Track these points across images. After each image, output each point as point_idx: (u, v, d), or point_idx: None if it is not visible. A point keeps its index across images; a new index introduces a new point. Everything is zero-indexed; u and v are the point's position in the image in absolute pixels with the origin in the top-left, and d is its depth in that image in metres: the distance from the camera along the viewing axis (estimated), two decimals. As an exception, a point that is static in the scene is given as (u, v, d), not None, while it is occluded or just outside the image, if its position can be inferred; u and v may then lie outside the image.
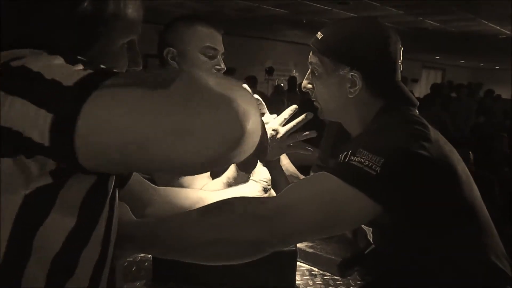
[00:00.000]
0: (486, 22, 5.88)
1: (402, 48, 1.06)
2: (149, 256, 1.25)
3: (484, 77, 14.12)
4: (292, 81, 7.40)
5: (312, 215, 0.86)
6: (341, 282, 1.19)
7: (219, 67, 1.51)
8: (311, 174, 1.31)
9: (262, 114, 1.24)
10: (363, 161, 0.86)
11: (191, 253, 0.86)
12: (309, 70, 1.10)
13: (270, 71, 8.43)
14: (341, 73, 1.01)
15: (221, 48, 1.52)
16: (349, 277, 1.22)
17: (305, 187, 0.92)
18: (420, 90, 13.09)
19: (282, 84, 7.98)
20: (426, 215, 0.92)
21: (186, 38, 1.48)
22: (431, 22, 6.02)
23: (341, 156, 0.91)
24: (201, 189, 1.21)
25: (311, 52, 1.08)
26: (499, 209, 3.00)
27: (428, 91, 8.64)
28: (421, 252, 0.96)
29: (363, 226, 1.07)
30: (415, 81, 13.14)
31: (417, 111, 1.06)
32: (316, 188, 0.90)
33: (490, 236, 0.98)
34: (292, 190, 0.92)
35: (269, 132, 1.21)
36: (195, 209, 0.92)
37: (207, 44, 1.47)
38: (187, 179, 1.31)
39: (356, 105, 1.03)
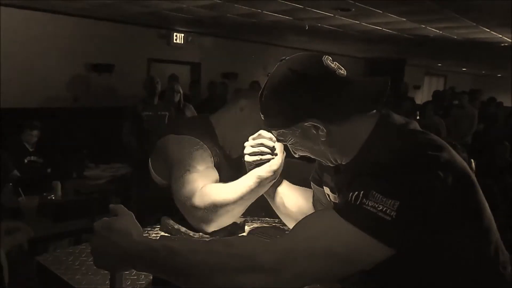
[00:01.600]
0: (488, 30, 5.89)
1: (329, 58, 0.99)
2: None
3: (486, 84, 14.11)
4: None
5: (321, 264, 0.83)
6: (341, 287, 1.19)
7: None
8: (312, 185, 1.29)
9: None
10: (377, 206, 0.81)
11: (191, 283, 0.85)
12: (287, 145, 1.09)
13: (272, 77, 8.42)
14: (299, 131, 0.99)
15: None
16: (349, 283, 1.21)
17: (314, 232, 0.87)
18: (422, 96, 13.08)
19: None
20: (439, 238, 0.87)
21: None
22: (433, 29, 6.03)
23: (352, 196, 0.85)
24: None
25: (272, 132, 1.09)
26: (500, 217, 3.00)
27: (430, 98, 8.66)
28: (428, 267, 0.91)
29: None
30: (417, 87, 13.14)
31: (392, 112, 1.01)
32: (327, 235, 0.85)
33: (500, 255, 0.95)
34: (300, 236, 0.87)
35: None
36: (204, 246, 0.90)
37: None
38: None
39: (337, 142, 0.99)
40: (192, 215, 1.38)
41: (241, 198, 1.36)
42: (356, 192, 0.84)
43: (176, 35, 7.17)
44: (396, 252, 0.83)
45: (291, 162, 1.44)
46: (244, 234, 1.54)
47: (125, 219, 0.94)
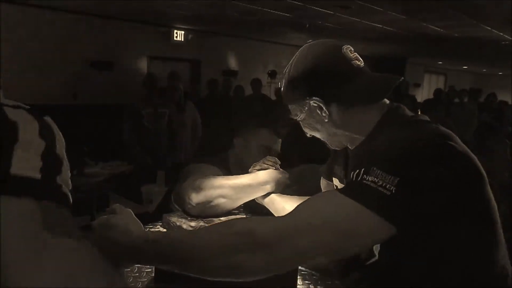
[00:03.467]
0: (489, 28, 5.88)
1: (350, 48, 1.03)
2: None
3: (486, 82, 14.12)
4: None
5: (323, 239, 0.83)
6: (342, 287, 1.19)
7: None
8: (321, 181, 1.32)
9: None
10: (377, 180, 0.83)
11: (199, 272, 0.86)
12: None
13: (272, 75, 8.44)
14: (306, 108, 1.05)
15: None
16: (349, 282, 1.22)
17: (315, 209, 0.88)
18: (422, 94, 13.08)
19: (284, 88, 7.97)
20: (441, 229, 0.87)
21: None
22: (434, 27, 6.02)
23: (353, 174, 0.87)
24: None
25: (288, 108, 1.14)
26: (500, 215, 2.99)
27: (430, 96, 8.65)
28: (430, 263, 0.91)
29: None
30: (417, 85, 13.14)
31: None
32: (327, 209, 0.86)
33: (502, 250, 0.95)
34: (301, 212, 0.88)
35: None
36: (204, 229, 0.93)
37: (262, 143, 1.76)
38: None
39: (343, 124, 1.03)
40: (189, 204, 1.50)
41: (235, 187, 1.49)
42: (357, 170, 0.86)
43: (176, 33, 7.16)
44: (396, 232, 0.82)
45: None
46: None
47: (124, 216, 0.94)
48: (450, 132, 0.93)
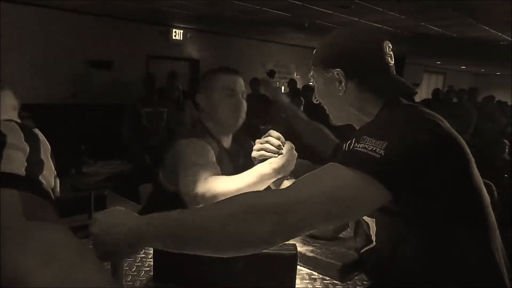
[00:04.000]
0: (487, 28, 5.89)
1: (389, 44, 1.11)
2: (150, 257, 1.25)
3: (485, 82, 14.13)
4: (292, 84, 7.41)
5: (323, 207, 0.87)
6: (341, 287, 1.19)
7: (239, 105, 1.74)
8: None
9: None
10: (367, 146, 0.89)
11: (208, 244, 0.87)
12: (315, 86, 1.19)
13: (271, 74, 8.44)
14: (328, 75, 1.11)
15: (240, 88, 1.76)
16: (348, 282, 1.22)
17: (314, 179, 0.93)
18: (421, 94, 13.09)
19: (283, 87, 7.99)
20: (434, 204, 0.91)
21: (211, 84, 1.75)
22: (433, 27, 6.03)
23: (345, 145, 0.94)
24: None
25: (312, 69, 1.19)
26: (499, 216, 3.00)
27: (429, 95, 8.65)
28: (424, 249, 0.95)
29: (366, 218, 1.08)
30: (416, 85, 13.15)
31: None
32: (324, 178, 0.92)
33: (494, 235, 0.99)
34: (302, 183, 0.93)
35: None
36: (209, 207, 0.96)
37: (228, 86, 1.73)
38: None
39: (352, 103, 1.10)
40: (194, 204, 1.42)
41: (241, 191, 1.38)
42: (349, 141, 0.94)
43: (175, 32, 7.16)
44: (392, 198, 0.88)
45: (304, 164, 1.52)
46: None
47: (124, 208, 0.95)
48: (439, 116, 1.00)
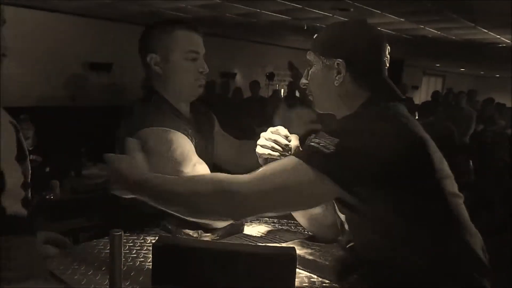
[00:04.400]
0: (486, 31, 5.90)
1: (388, 48, 1.14)
2: (148, 260, 1.25)
3: (485, 85, 14.13)
4: (292, 86, 7.41)
5: (275, 198, 1.00)
6: (340, 289, 1.19)
7: (202, 69, 1.55)
8: None
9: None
10: (320, 142, 0.96)
11: (172, 206, 1.11)
12: (307, 69, 1.22)
13: (270, 77, 8.44)
14: (328, 63, 1.13)
15: (202, 50, 1.56)
16: (348, 284, 1.22)
17: (273, 170, 1.03)
18: (420, 96, 13.10)
19: (282, 90, 7.99)
20: (391, 202, 0.96)
21: (169, 44, 1.48)
22: (432, 29, 6.04)
23: (306, 142, 1.02)
24: None
25: (308, 51, 1.21)
26: (499, 217, 3.01)
27: (428, 98, 8.66)
28: (387, 243, 1.00)
29: (340, 214, 1.13)
30: (416, 88, 13.15)
31: (404, 107, 1.12)
32: (281, 170, 1.02)
33: (469, 234, 1.02)
34: (263, 173, 1.04)
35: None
36: (184, 179, 1.17)
37: (190, 48, 1.50)
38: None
39: (342, 95, 1.12)
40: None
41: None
42: (311, 136, 1.01)
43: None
44: (343, 192, 0.96)
45: None
46: (243, 233, 1.54)
47: (130, 158, 1.20)
48: (411, 119, 1.05)
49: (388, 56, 1.13)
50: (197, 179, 1.12)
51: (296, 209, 1.13)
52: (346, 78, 1.10)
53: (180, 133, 1.41)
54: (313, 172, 0.95)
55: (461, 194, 1.06)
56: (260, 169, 1.07)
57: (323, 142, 0.96)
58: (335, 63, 1.10)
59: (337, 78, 1.10)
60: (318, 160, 0.95)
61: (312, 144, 0.98)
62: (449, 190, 1.02)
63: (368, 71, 1.11)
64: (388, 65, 1.13)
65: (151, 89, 1.53)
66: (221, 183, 1.03)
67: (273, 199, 1.00)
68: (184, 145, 1.40)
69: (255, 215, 1.11)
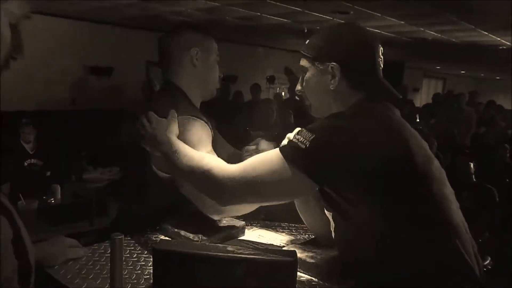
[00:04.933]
0: (486, 33, 5.90)
1: (381, 48, 1.13)
2: (149, 264, 1.25)
3: (485, 87, 14.14)
4: (292, 89, 7.43)
5: (256, 189, 1.05)
6: (341, 293, 1.19)
7: (220, 74, 1.67)
8: None
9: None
10: (299, 137, 0.99)
11: (178, 175, 1.30)
12: (301, 75, 1.21)
13: (271, 80, 8.45)
14: (321, 67, 1.12)
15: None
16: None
17: (256, 163, 1.09)
18: (421, 99, 13.10)
19: (283, 93, 8.00)
20: (369, 201, 0.96)
21: (208, 45, 1.60)
22: (432, 32, 6.04)
23: (291, 134, 1.04)
24: None
25: (301, 58, 1.21)
26: (500, 219, 3.00)
27: (429, 100, 8.66)
28: (371, 243, 1.00)
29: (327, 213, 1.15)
30: (416, 90, 13.15)
31: (394, 108, 1.13)
32: (263, 163, 1.07)
33: (459, 239, 1.00)
34: (247, 166, 1.10)
35: None
36: (196, 157, 1.23)
37: (217, 52, 1.64)
38: None
39: (338, 99, 1.12)
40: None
41: None
42: (295, 131, 1.03)
43: (175, 38, 7.16)
44: (319, 188, 1.01)
45: None
46: (244, 237, 1.54)
47: (166, 121, 1.34)
48: (389, 114, 1.07)
49: (382, 57, 1.13)
50: (197, 160, 1.20)
51: (279, 200, 1.16)
52: (341, 82, 1.10)
53: (202, 121, 1.47)
54: (289, 167, 0.99)
55: (453, 198, 1.05)
56: (247, 161, 1.12)
57: (301, 138, 0.99)
58: (329, 67, 1.10)
59: (332, 82, 1.10)
60: (294, 155, 0.99)
61: (293, 139, 1.01)
62: (436, 193, 1.01)
63: (363, 72, 1.10)
64: (382, 65, 1.13)
65: (171, 83, 1.59)
66: (211, 171, 1.13)
67: (256, 191, 1.07)
68: (203, 131, 1.45)
69: (240, 204, 1.18)
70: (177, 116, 1.40)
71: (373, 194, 0.96)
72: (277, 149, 1.05)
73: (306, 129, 1.00)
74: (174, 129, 1.32)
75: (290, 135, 1.04)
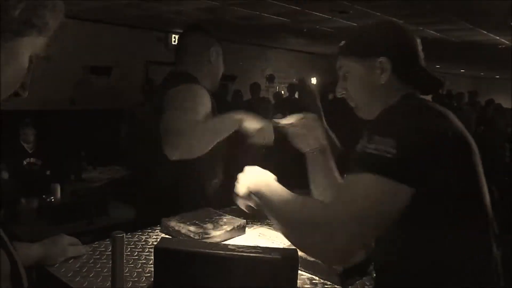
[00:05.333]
0: (486, 32, 5.91)
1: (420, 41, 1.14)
2: (150, 263, 1.25)
3: (485, 86, 14.14)
4: (292, 88, 7.42)
5: (356, 220, 0.89)
6: (342, 291, 1.19)
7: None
8: None
9: None
10: (378, 147, 0.89)
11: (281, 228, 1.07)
12: (340, 77, 1.18)
13: (271, 79, 8.45)
14: (368, 64, 1.09)
15: None
16: (350, 286, 1.22)
17: (342, 195, 0.97)
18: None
19: (282, 92, 8.00)
20: (440, 202, 0.91)
21: (217, 45, 1.92)
22: (431, 31, 6.05)
23: (359, 146, 0.94)
24: None
25: (338, 59, 1.17)
26: (499, 218, 3.00)
27: (428, 99, 8.64)
28: (429, 249, 0.94)
29: None
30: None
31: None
32: (350, 191, 0.94)
33: (495, 239, 0.99)
34: (338, 200, 0.97)
35: None
36: (291, 200, 1.07)
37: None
38: None
39: (385, 93, 1.09)
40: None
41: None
42: (361, 141, 0.94)
43: (174, 37, 7.17)
44: (416, 193, 0.88)
45: None
46: (244, 236, 1.54)
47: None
48: (448, 111, 1.02)
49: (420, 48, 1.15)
50: (294, 207, 1.05)
51: (383, 225, 0.94)
52: (391, 75, 1.09)
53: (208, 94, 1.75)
54: (383, 181, 0.87)
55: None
56: (334, 198, 1.00)
57: (381, 146, 0.89)
58: (378, 62, 1.08)
59: (382, 76, 1.08)
60: (383, 167, 0.88)
61: (371, 151, 0.90)
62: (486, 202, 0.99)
63: (411, 65, 1.11)
64: (421, 57, 1.15)
65: (188, 74, 1.81)
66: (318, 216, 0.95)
67: (360, 222, 0.90)
68: (207, 102, 1.72)
69: (356, 245, 0.95)
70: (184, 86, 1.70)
71: (467, 189, 0.92)
72: (354, 174, 0.93)
73: (380, 136, 0.90)
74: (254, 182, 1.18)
75: (361, 149, 0.93)
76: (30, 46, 0.64)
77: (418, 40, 1.14)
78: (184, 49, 1.85)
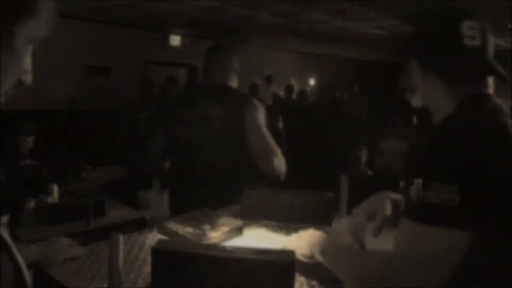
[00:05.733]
0: (484, 33, 5.93)
1: (471, 25, 1.12)
2: (148, 264, 1.25)
3: (482, 87, 14.11)
4: (289, 89, 7.42)
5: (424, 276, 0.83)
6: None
7: None
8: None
9: None
10: (438, 195, 0.81)
11: None
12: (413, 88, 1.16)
13: (269, 80, 8.45)
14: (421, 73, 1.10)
15: None
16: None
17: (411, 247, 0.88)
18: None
19: (280, 93, 8.00)
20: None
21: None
22: (430, 32, 6.05)
23: (415, 191, 0.85)
24: None
25: (410, 70, 1.16)
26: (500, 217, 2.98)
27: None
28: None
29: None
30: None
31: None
32: (414, 246, 0.85)
33: None
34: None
35: None
36: None
37: None
38: None
39: (453, 95, 1.07)
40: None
41: None
42: (416, 182, 0.84)
43: (173, 38, 7.17)
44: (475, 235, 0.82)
45: None
46: (242, 237, 1.54)
47: None
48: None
49: (473, 33, 1.15)
50: None
51: (444, 276, 0.87)
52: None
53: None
54: (447, 233, 0.81)
55: None
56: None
57: (442, 195, 0.80)
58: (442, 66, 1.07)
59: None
60: (450, 218, 0.80)
61: (432, 201, 0.82)
62: None
63: (449, 60, 1.11)
64: (473, 42, 1.14)
65: (227, 86, 2.27)
66: None
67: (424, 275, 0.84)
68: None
69: None
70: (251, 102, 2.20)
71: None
72: (416, 225, 0.84)
73: (438, 181, 0.82)
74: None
75: (416, 198, 0.85)
76: (25, 31, 0.62)
77: (463, 30, 1.12)
78: (218, 63, 2.25)
